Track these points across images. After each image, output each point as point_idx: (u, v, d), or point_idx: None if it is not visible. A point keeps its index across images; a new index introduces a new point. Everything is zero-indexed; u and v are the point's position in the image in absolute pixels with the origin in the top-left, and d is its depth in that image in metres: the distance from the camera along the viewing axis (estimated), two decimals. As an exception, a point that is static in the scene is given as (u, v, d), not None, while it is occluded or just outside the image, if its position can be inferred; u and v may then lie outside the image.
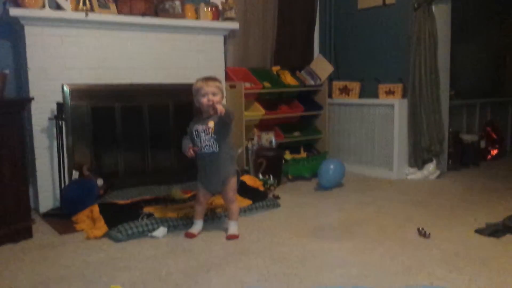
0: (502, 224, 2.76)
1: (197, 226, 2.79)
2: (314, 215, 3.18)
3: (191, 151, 2.66)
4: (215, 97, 2.62)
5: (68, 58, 3.37)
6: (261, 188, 3.60)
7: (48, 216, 3.18)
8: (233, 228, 2.76)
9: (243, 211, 3.14)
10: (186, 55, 3.92)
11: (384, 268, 2.25)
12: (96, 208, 2.90)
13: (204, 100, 2.63)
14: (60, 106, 3.23)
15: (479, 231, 2.73)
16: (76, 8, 3.33)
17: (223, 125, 2.63)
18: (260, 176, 3.89)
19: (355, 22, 4.75)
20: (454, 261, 2.32)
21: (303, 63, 4.80)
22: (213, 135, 2.63)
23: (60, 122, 3.22)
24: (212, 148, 2.65)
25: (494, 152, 5.23)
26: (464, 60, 5.29)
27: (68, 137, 3.36)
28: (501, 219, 2.84)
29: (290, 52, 4.80)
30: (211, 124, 2.58)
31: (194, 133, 2.68)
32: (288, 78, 4.56)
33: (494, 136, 5.29)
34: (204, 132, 2.64)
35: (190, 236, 2.73)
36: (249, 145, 4.17)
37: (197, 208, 2.80)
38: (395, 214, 3.16)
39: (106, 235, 2.73)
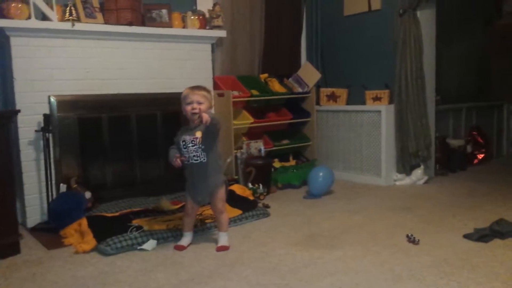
0: (490, 229, 2.79)
1: (187, 238, 2.78)
2: (304, 223, 3.18)
3: (178, 161, 2.64)
4: (200, 105, 2.58)
5: (55, 69, 3.35)
6: (251, 197, 3.59)
7: (36, 230, 3.14)
8: (223, 239, 2.74)
9: (233, 221, 3.14)
10: (173, 64, 3.91)
11: (374, 275, 2.26)
12: (84, 222, 2.87)
13: (188, 108, 2.60)
14: (47, 117, 3.21)
15: (467, 236, 2.76)
16: (62, 18, 3.31)
17: (211, 135, 2.59)
18: (250, 185, 3.88)
19: (341, 29, 4.79)
20: (443, 267, 2.34)
21: (290, 70, 4.82)
22: (200, 145, 2.59)
23: (47, 134, 3.19)
24: (200, 158, 2.62)
25: (481, 156, 5.29)
26: (450, 64, 5.36)
27: (55, 149, 3.34)
28: (489, 224, 2.87)
29: (277, 59, 4.82)
30: (198, 134, 2.53)
31: (181, 143, 2.64)
32: (276, 86, 4.57)
33: (480, 140, 5.35)
34: (191, 142, 2.61)
35: (180, 248, 2.71)
36: (238, 154, 4.17)
37: (186, 220, 2.78)
38: (384, 220, 3.18)
39: (95, 249, 2.70)
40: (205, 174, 2.65)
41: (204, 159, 2.63)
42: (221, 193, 2.72)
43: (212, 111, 2.60)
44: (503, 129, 5.84)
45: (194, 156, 2.62)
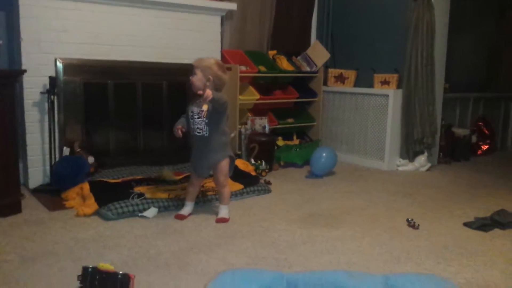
0: (490, 219, 2.79)
1: (188, 208, 2.78)
2: (304, 202, 3.19)
3: (179, 132, 2.64)
4: (193, 77, 2.57)
5: (63, 31, 3.31)
6: (253, 173, 3.59)
7: (38, 191, 3.16)
8: (223, 211, 2.75)
9: (234, 195, 3.14)
10: (182, 34, 3.87)
11: (372, 256, 2.27)
12: (86, 186, 2.88)
13: (192, 79, 2.59)
14: (53, 80, 3.19)
15: (467, 224, 2.76)
16: (72, -19, 3.26)
17: (216, 111, 2.58)
18: (252, 161, 3.88)
19: (353, 10, 4.72)
20: (442, 252, 2.34)
21: (299, 48, 4.77)
22: (205, 119, 2.58)
23: (52, 97, 3.18)
24: (202, 131, 2.61)
25: (485, 147, 5.27)
26: (460, 53, 5.30)
27: (59, 113, 3.32)
28: (489, 214, 2.86)
29: (287, 36, 4.76)
30: (204, 107, 2.52)
31: (189, 113, 2.65)
32: (284, 63, 4.53)
33: (486, 131, 5.32)
34: (197, 114, 2.60)
35: (180, 217, 2.72)
36: (242, 130, 4.16)
37: (189, 189, 2.79)
38: (385, 204, 3.18)
39: (96, 213, 2.71)
40: (206, 148, 2.64)
41: (206, 133, 2.61)
42: (223, 168, 2.70)
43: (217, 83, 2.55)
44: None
45: (197, 128, 2.62)
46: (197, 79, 2.58)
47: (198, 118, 2.60)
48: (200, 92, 2.56)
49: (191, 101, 2.70)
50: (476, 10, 5.50)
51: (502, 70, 5.90)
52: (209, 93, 2.44)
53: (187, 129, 2.68)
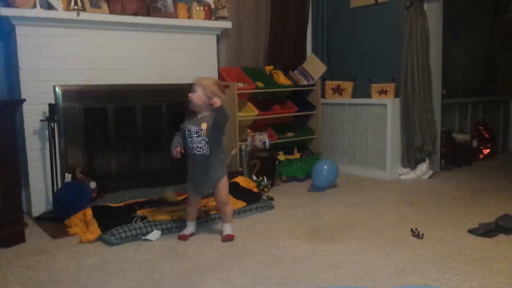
0: (495, 224, 2.78)
1: (190, 227, 2.78)
2: (308, 216, 3.18)
3: (178, 154, 2.64)
4: (193, 94, 2.61)
5: (60, 58, 3.35)
6: (255, 190, 3.59)
7: (41, 220, 3.16)
8: (228, 229, 2.76)
9: (237, 213, 3.14)
10: (178, 55, 3.90)
11: (378, 269, 2.26)
12: (89, 211, 2.88)
13: (191, 96, 2.62)
14: (52, 107, 3.21)
15: (471, 231, 2.75)
16: (67, 8, 3.31)
17: (216, 127, 2.61)
18: (254, 177, 3.88)
19: (347, 21, 4.76)
20: (447, 261, 2.33)
21: (296, 62, 4.80)
22: (204, 137, 2.60)
23: (52, 124, 3.20)
24: (202, 150, 2.62)
25: (486, 151, 5.26)
26: (456, 58, 5.32)
27: (60, 139, 3.35)
28: (494, 219, 2.85)
29: (283, 51, 4.80)
30: (204, 126, 2.56)
31: (186, 132, 2.65)
32: (281, 78, 4.56)
33: (486, 135, 5.32)
34: (196, 133, 2.61)
35: (183, 238, 2.72)
36: (243, 146, 4.17)
37: (188, 209, 2.79)
38: (389, 214, 3.17)
39: (99, 238, 2.71)
40: (207, 166, 2.64)
41: (206, 151, 2.62)
42: (224, 185, 2.71)
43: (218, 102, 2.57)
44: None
45: (197, 147, 2.62)
46: (197, 96, 2.61)
47: (197, 137, 2.61)
48: (200, 107, 2.61)
49: (186, 119, 2.71)
50: (469, 14, 5.53)
51: (499, 73, 5.91)
52: (217, 100, 2.49)
53: (184, 148, 2.67)
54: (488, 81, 5.85)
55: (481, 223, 2.85)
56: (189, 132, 2.63)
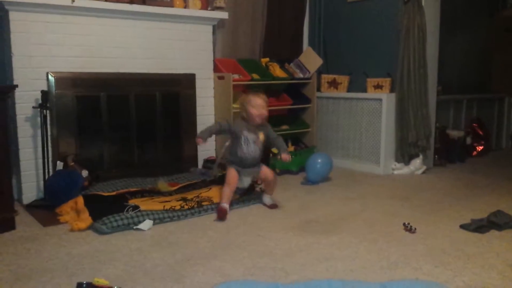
0: (487, 220, 2.79)
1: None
2: (300, 209, 3.18)
3: (201, 142, 3.07)
4: (264, 110, 3.07)
5: (53, 45, 3.31)
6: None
7: (32, 207, 3.13)
8: (271, 200, 3.22)
9: (230, 204, 3.12)
10: (174, 44, 3.87)
11: (370, 262, 2.26)
12: (80, 200, 2.86)
13: (255, 111, 3.04)
14: (45, 94, 3.18)
15: (464, 227, 2.75)
16: (62, -6, 3.26)
17: (267, 139, 3.18)
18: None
19: (344, 15, 4.74)
20: (439, 256, 2.33)
21: (292, 55, 4.78)
22: (260, 146, 3.12)
23: (45, 111, 3.17)
24: (255, 154, 3.12)
25: (480, 148, 5.27)
26: (452, 55, 5.32)
27: (52, 127, 3.31)
28: (486, 215, 2.86)
29: (279, 44, 4.77)
30: (261, 137, 3.13)
31: (242, 137, 3.07)
32: (277, 70, 4.53)
33: (480, 132, 5.33)
34: (254, 142, 3.09)
35: (223, 212, 2.90)
36: (237, 138, 4.15)
37: (227, 190, 3.01)
38: (382, 209, 3.17)
39: (90, 227, 2.69)
40: (254, 163, 3.14)
41: (258, 155, 3.13)
42: (265, 167, 3.20)
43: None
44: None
45: (252, 151, 3.10)
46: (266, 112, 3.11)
47: (254, 144, 3.10)
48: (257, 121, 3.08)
49: (237, 123, 3.15)
50: (466, 11, 5.53)
51: (494, 70, 5.92)
52: (288, 158, 3.12)
53: (235, 148, 3.11)
54: (484, 78, 5.86)
55: (473, 219, 2.85)
56: (245, 138, 3.08)
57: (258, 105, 3.05)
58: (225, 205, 2.95)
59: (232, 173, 3.07)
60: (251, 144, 3.08)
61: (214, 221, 2.87)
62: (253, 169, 3.16)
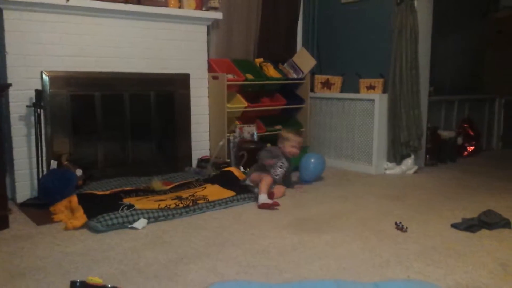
0: (478, 219, 2.82)
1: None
2: (294, 208, 3.20)
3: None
4: (296, 149, 3.70)
5: (48, 44, 3.31)
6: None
7: (25, 206, 3.13)
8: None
9: (225, 202, 3.15)
10: (168, 44, 3.88)
11: (362, 261, 2.28)
12: (74, 199, 2.86)
13: (293, 150, 3.68)
14: (39, 93, 3.18)
15: (455, 226, 2.79)
16: (56, -7, 3.26)
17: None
18: (242, 168, 3.89)
19: (338, 16, 4.76)
20: (431, 255, 2.36)
21: (286, 55, 4.80)
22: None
23: (39, 110, 3.17)
24: (280, 180, 3.58)
25: (471, 148, 5.33)
26: (444, 56, 5.36)
27: (46, 126, 3.31)
28: (477, 215, 2.90)
29: (273, 44, 4.79)
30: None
31: (279, 163, 3.58)
32: (271, 71, 4.55)
33: (471, 133, 5.38)
34: (286, 170, 3.65)
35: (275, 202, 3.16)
36: (231, 138, 4.17)
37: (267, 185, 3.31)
38: (374, 208, 3.20)
39: (85, 226, 2.69)
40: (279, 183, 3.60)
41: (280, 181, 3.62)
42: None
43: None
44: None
45: (279, 176, 3.57)
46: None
47: (284, 171, 3.65)
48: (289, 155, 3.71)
49: (279, 151, 3.69)
50: (459, 12, 5.57)
51: (486, 71, 5.98)
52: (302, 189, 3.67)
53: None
54: (475, 79, 5.91)
55: (464, 218, 2.89)
56: (282, 164, 3.62)
57: (295, 145, 3.69)
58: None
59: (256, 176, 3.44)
60: (283, 169, 3.60)
61: (213, 219, 2.88)
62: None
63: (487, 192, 3.66)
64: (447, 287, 2.00)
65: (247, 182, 3.47)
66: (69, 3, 3.25)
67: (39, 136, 3.17)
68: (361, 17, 4.54)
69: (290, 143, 3.66)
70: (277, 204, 3.15)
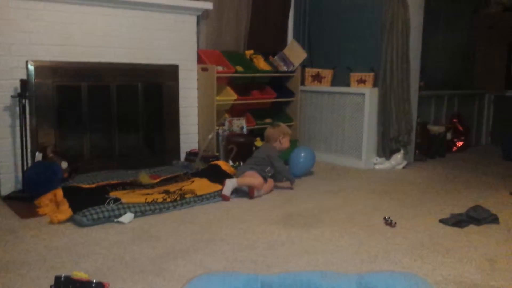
0: (466, 215, 2.83)
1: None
2: (283, 202, 3.18)
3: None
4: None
5: (34, 33, 3.24)
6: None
7: (10, 199, 3.07)
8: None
9: (213, 196, 3.12)
10: (157, 34, 3.82)
11: (350, 255, 2.28)
12: (59, 192, 2.81)
13: (288, 143, 3.71)
14: (24, 83, 3.12)
15: (443, 221, 2.79)
16: (42, -19, 3.19)
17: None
18: (231, 162, 3.86)
19: (329, 9, 4.73)
20: (419, 250, 2.36)
21: (276, 48, 4.76)
22: None
23: (24, 101, 3.10)
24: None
25: (460, 144, 5.35)
26: (435, 51, 5.36)
27: (31, 116, 3.25)
28: (465, 210, 2.90)
29: (263, 36, 4.75)
30: None
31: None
32: (261, 63, 4.51)
33: (460, 128, 5.40)
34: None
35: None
36: (220, 131, 4.13)
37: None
38: (363, 203, 3.20)
39: (70, 220, 2.65)
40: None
41: None
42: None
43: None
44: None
45: (272, 172, 3.57)
46: None
47: None
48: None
49: (276, 150, 3.64)
50: (450, 7, 5.57)
51: (476, 66, 5.99)
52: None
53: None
54: (466, 74, 5.93)
55: (453, 214, 2.89)
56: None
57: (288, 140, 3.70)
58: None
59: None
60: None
61: (201, 213, 2.85)
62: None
63: (476, 188, 3.68)
64: (435, 283, 1.99)
65: (236, 183, 3.24)
66: (56, -8, 3.18)
67: (24, 128, 3.11)
68: (352, 10, 4.51)
69: (288, 137, 3.70)
70: (226, 199, 3.16)
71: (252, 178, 3.28)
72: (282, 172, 3.55)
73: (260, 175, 3.34)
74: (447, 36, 5.57)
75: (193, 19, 4.03)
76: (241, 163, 3.83)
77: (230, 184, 3.18)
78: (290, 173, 3.64)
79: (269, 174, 3.51)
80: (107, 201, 2.74)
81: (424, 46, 4.51)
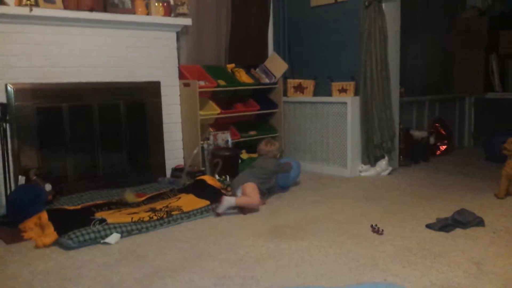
0: (452, 219, 2.85)
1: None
2: (270, 214, 3.18)
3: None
4: None
5: (12, 55, 3.23)
6: (222, 189, 3.56)
7: (-7, 224, 3.02)
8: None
9: (200, 212, 3.10)
10: (137, 52, 3.82)
11: (339, 265, 2.28)
12: (44, 215, 2.77)
13: None
14: (4, 107, 3.10)
15: (429, 226, 2.81)
16: (19, 3, 3.18)
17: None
18: (217, 176, 3.85)
19: (308, 20, 4.78)
20: (407, 256, 2.37)
21: (257, 60, 4.79)
22: None
23: (4, 124, 3.07)
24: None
25: (443, 147, 5.41)
26: (414, 57, 5.44)
27: (13, 140, 3.22)
28: (451, 214, 2.93)
29: (244, 49, 4.77)
30: None
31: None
32: (243, 76, 4.53)
33: (443, 132, 5.47)
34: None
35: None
36: (205, 145, 4.12)
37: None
38: (350, 211, 3.21)
39: (56, 243, 2.61)
40: None
41: None
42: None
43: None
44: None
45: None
46: None
47: None
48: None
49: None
50: (426, 13, 5.66)
51: (455, 71, 6.08)
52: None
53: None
54: (445, 79, 6.01)
55: (439, 218, 2.92)
56: None
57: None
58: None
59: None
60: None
61: (189, 230, 2.83)
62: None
63: (460, 191, 3.71)
64: (422, 290, 2.00)
65: (233, 203, 3.17)
66: (33, 13, 3.17)
67: (5, 151, 3.07)
68: (330, 20, 4.57)
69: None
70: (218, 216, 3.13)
71: (250, 199, 3.23)
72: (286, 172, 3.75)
73: (258, 189, 3.32)
74: (425, 42, 5.66)
75: (173, 36, 4.05)
76: (228, 177, 3.83)
77: (227, 204, 3.13)
78: (287, 165, 3.75)
79: (267, 187, 3.52)
80: (92, 223, 2.71)
81: (402, 53, 4.58)
